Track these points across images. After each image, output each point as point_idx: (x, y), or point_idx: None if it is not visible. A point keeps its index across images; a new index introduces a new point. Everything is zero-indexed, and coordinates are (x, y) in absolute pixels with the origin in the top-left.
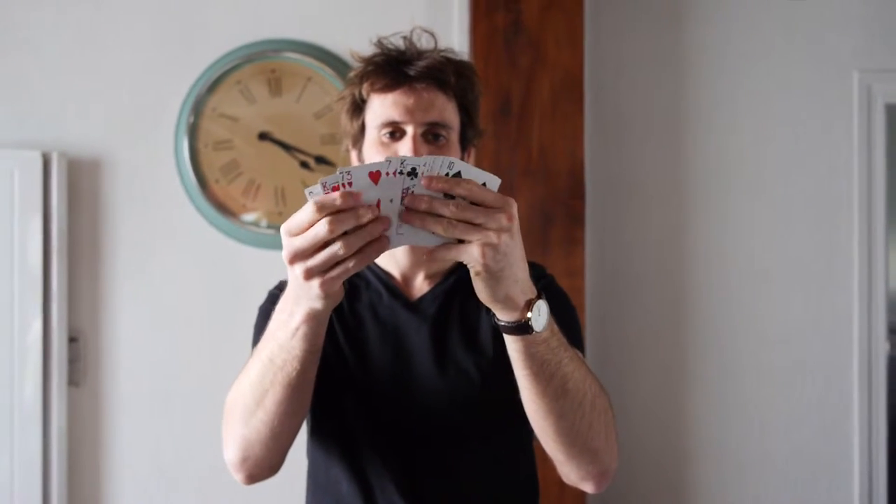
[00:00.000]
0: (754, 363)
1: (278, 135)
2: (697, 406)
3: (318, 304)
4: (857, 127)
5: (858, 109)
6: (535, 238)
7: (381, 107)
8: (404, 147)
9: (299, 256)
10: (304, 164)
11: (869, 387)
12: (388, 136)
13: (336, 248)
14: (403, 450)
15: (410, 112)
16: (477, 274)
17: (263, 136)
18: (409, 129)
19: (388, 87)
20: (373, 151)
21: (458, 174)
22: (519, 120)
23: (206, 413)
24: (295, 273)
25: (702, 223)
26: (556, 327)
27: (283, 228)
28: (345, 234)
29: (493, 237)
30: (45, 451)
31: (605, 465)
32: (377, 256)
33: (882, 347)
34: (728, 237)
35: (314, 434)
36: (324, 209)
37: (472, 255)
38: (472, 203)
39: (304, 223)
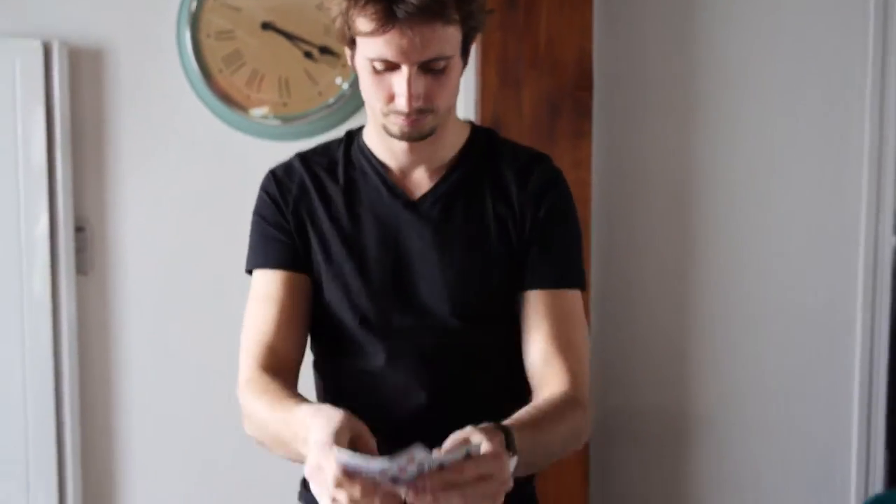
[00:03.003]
0: (758, 264)
1: (281, 25)
2: (700, 307)
3: None
4: (872, 37)
5: (874, 20)
6: (541, 130)
7: (374, 45)
8: (399, 82)
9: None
10: (307, 55)
11: (874, 285)
12: (381, 66)
13: None
14: (405, 353)
15: (405, 53)
16: None
17: (266, 26)
18: (404, 68)
19: (377, 32)
20: (366, 78)
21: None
22: (526, 11)
23: (213, 301)
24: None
25: (711, 115)
26: (527, 439)
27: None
28: None
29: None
30: (55, 340)
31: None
32: None
33: (888, 241)
34: (737, 132)
35: (318, 363)
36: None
37: None
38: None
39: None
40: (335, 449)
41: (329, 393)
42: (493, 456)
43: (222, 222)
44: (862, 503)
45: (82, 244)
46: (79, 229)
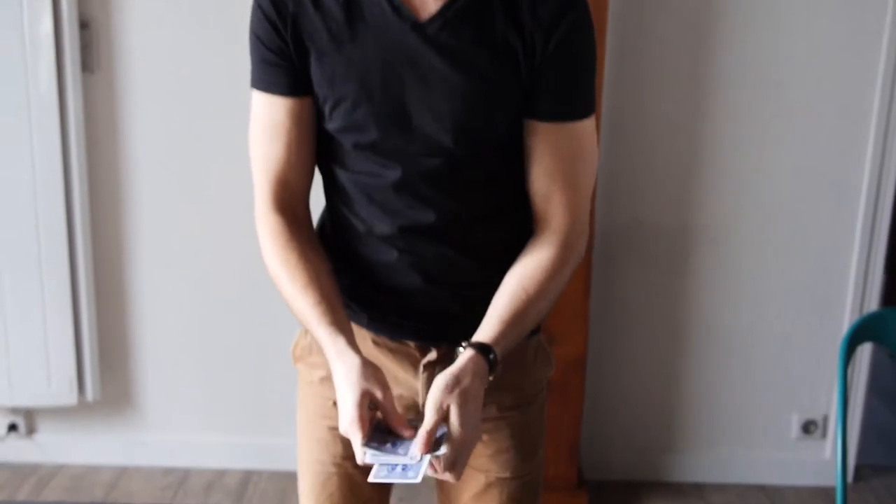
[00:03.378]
0: (772, 83)
1: None
2: (711, 124)
3: None
4: None
5: None
6: None
7: None
8: None
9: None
10: None
11: (888, 113)
12: None
13: None
14: (410, 176)
15: None
16: None
17: None
18: None
19: None
20: None
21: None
22: None
23: (220, 96)
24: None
25: None
26: (504, 340)
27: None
28: None
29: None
30: (63, 138)
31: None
32: None
33: None
34: None
35: (325, 173)
36: None
37: None
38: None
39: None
40: (360, 449)
41: (336, 204)
42: (461, 443)
43: (229, 19)
44: (856, 320)
45: (87, 41)
46: (83, 26)
